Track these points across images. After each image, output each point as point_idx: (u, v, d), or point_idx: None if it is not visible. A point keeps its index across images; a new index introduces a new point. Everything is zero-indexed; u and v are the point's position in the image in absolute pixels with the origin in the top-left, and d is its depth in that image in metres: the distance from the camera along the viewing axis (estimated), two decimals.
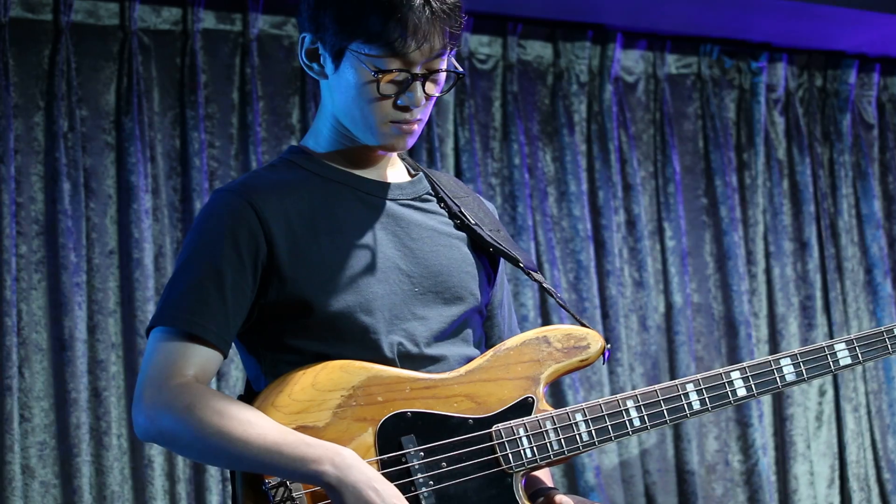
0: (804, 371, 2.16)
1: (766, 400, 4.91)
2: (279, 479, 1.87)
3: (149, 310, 3.81)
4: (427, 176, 2.18)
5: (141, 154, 3.90)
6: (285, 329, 1.99)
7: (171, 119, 4.04)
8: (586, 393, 4.50)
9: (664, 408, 2.07)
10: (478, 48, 4.58)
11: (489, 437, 1.99)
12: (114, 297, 3.86)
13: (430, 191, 2.16)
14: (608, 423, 2.04)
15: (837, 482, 5.00)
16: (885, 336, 2.23)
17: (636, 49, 4.85)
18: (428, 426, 1.96)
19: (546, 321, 4.48)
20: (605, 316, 4.61)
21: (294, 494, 1.87)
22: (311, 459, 1.83)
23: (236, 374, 3.96)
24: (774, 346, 4.96)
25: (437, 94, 2.03)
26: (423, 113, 2.02)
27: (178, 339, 1.93)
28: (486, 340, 2.20)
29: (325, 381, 1.94)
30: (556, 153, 4.67)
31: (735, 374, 2.12)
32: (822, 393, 5.02)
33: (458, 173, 4.45)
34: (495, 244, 2.15)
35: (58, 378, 3.74)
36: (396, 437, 1.94)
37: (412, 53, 1.95)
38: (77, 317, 3.75)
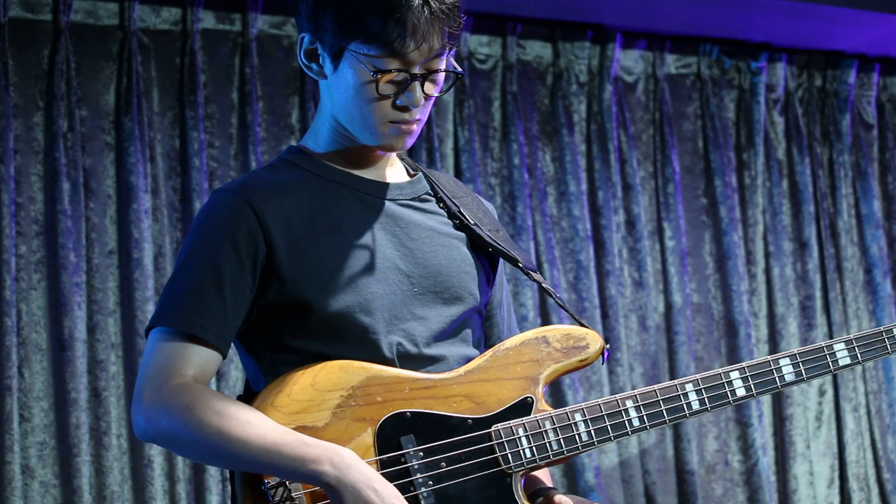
0: (803, 371, 2.16)
1: (766, 400, 4.91)
2: (278, 479, 1.87)
3: (148, 310, 3.81)
4: (426, 176, 2.18)
5: (140, 154, 3.91)
6: (284, 329, 1.99)
7: (170, 119, 4.04)
8: (586, 393, 4.50)
9: (663, 408, 2.07)
10: (477, 48, 4.58)
11: (488, 437, 1.99)
12: (113, 297, 3.87)
13: (430, 191, 2.16)
14: (607, 424, 2.04)
15: (837, 482, 5.00)
16: (885, 336, 2.23)
17: (636, 49, 4.85)
18: (427, 426, 1.96)
19: (545, 321, 4.48)
20: (604, 316, 4.61)
21: (293, 494, 1.87)
22: (311, 459, 1.83)
23: (236, 374, 3.96)
24: (774, 346, 4.96)
25: (436, 95, 2.03)
26: (422, 113, 2.02)
27: (177, 340, 1.93)
28: (486, 340, 2.20)
29: (324, 381, 1.94)
30: (556, 153, 4.67)
31: (734, 374, 2.12)
32: (821, 393, 5.02)
33: (458, 173, 4.45)
34: (494, 244, 2.15)
35: (57, 378, 3.74)
36: (396, 437, 1.94)
37: (411, 53, 1.95)
38: (77, 317, 3.75)
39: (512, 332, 2.23)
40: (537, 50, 4.71)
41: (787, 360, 2.16)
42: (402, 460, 1.94)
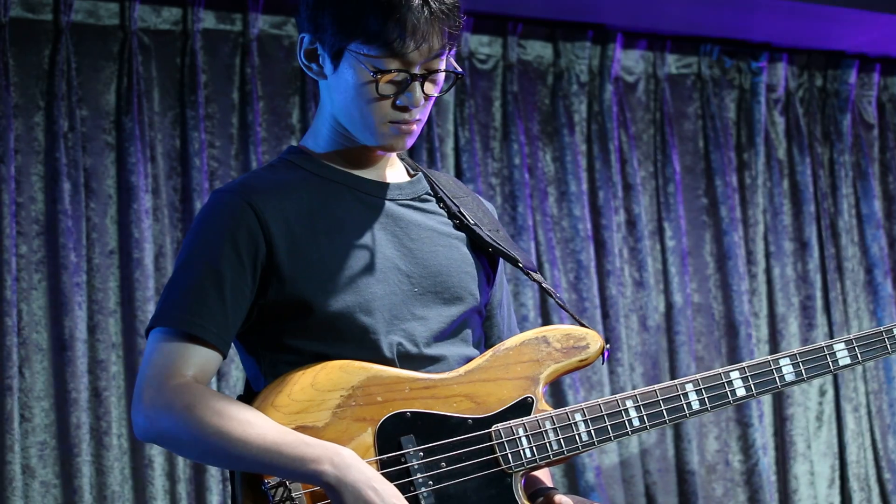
0: (803, 371, 2.16)
1: (767, 400, 4.91)
2: (278, 479, 1.87)
3: (149, 310, 3.81)
4: (426, 176, 2.18)
5: (141, 154, 3.91)
6: (285, 329, 1.99)
7: (171, 119, 4.04)
8: (586, 393, 4.50)
9: (663, 408, 2.07)
10: (478, 48, 4.58)
11: (488, 437, 1.99)
12: (114, 297, 3.87)
13: (430, 191, 2.16)
14: (607, 423, 2.04)
15: (838, 482, 5.00)
16: (885, 336, 2.23)
17: (636, 49, 4.85)
18: (427, 426, 1.96)
19: (546, 321, 4.48)
20: (605, 316, 4.61)
21: (293, 494, 1.87)
22: (311, 459, 1.84)
23: (236, 374, 3.96)
24: (774, 346, 4.96)
25: (436, 95, 2.03)
26: (422, 113, 2.02)
27: (177, 340, 1.93)
28: (486, 340, 2.20)
29: (324, 381, 1.94)
30: (557, 153, 4.67)
31: (734, 374, 2.12)
32: (822, 393, 5.02)
33: (458, 173, 4.45)
34: (494, 244, 2.15)
35: (58, 378, 3.74)
36: (396, 436, 1.94)
37: (411, 54, 1.95)
38: (77, 317, 3.75)
39: (512, 332, 2.23)
40: (538, 50, 4.71)
41: (788, 360, 2.16)
42: (403, 460, 1.94)
